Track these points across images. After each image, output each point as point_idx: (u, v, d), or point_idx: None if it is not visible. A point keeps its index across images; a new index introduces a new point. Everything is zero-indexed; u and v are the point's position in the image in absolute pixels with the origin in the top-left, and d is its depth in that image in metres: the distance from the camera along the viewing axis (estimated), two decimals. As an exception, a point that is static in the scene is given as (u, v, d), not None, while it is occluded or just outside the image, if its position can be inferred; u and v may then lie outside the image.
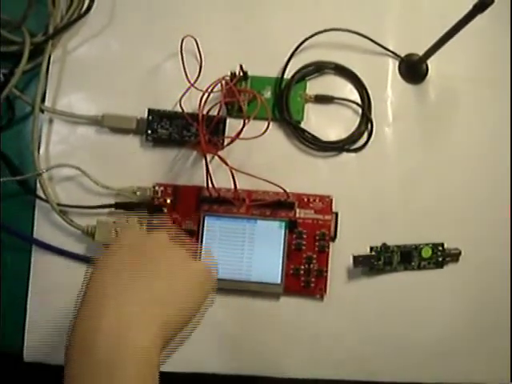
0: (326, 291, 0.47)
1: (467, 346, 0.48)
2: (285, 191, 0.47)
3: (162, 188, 0.48)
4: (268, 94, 0.50)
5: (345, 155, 0.49)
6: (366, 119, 0.49)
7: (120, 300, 0.31)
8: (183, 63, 0.47)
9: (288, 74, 0.49)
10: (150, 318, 0.31)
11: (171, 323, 0.32)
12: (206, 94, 0.45)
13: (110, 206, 0.48)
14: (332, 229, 0.48)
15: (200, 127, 0.44)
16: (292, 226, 0.47)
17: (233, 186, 0.45)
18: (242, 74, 0.48)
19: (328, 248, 0.47)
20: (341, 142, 0.49)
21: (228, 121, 0.48)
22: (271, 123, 0.46)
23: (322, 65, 0.50)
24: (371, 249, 0.47)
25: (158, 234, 0.38)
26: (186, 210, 0.48)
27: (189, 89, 0.47)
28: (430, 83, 0.50)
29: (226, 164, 0.44)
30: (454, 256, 0.48)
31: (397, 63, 0.50)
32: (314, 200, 0.48)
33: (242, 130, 0.45)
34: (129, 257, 0.35)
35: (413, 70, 0.50)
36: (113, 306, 0.31)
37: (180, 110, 0.47)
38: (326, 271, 0.47)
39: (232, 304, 0.47)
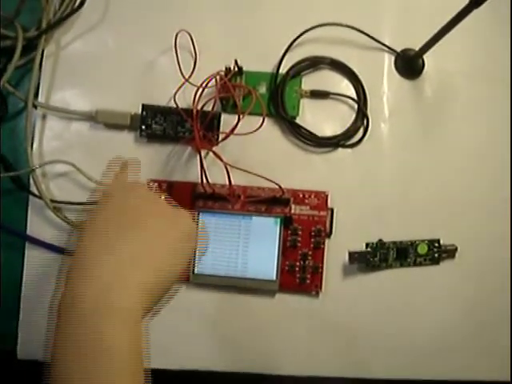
0: (321, 288, 0.47)
1: (464, 342, 0.48)
2: (280, 187, 0.46)
3: (156, 184, 0.48)
4: (263, 89, 0.49)
5: (340, 151, 0.49)
6: (361, 115, 0.49)
7: (102, 264, 0.31)
8: (177, 58, 0.47)
9: (283, 70, 0.49)
10: (130, 281, 0.31)
11: (155, 283, 0.32)
12: (201, 90, 0.44)
13: (103, 202, 0.47)
14: (327, 225, 0.47)
15: (194, 123, 0.43)
16: (287, 223, 0.47)
17: (228, 182, 0.45)
18: (236, 69, 0.48)
19: (323, 244, 0.47)
20: (336, 138, 0.49)
21: (223, 116, 0.48)
22: (266, 119, 0.46)
23: (318, 60, 0.49)
24: (367, 245, 0.47)
25: (139, 189, 0.37)
26: (180, 206, 0.47)
27: (183, 84, 0.46)
28: (426, 78, 0.50)
29: (221, 160, 0.44)
30: (450, 252, 0.48)
31: (393, 58, 0.50)
32: (310, 196, 0.48)
33: (236, 125, 0.44)
34: (112, 217, 0.34)
35: (409, 65, 0.50)
36: (96, 272, 0.30)
37: (174, 105, 0.47)
38: (322, 267, 0.47)
39: (227, 301, 0.47)
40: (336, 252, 0.47)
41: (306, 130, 0.49)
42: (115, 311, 0.29)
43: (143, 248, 0.32)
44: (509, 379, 0.47)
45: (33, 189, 0.48)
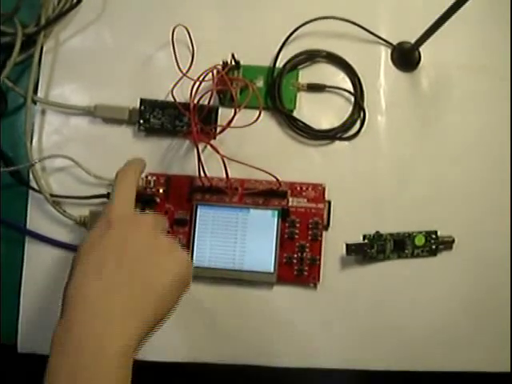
0: (319, 280, 0.47)
1: (464, 333, 0.48)
2: (277, 180, 0.46)
3: (154, 178, 0.48)
4: (260, 83, 0.49)
5: (337, 144, 0.49)
6: (358, 107, 0.49)
7: (98, 305, 0.32)
8: (175, 53, 0.47)
9: (280, 63, 0.49)
10: (126, 323, 0.32)
11: (145, 330, 0.33)
12: (198, 83, 0.45)
13: (102, 196, 0.48)
14: (325, 217, 0.47)
15: (192, 116, 0.44)
16: (285, 215, 0.47)
17: (225, 175, 0.45)
18: (233, 62, 0.48)
19: (321, 236, 0.47)
20: (333, 131, 0.49)
21: (220, 110, 0.48)
22: (263, 112, 0.46)
23: (314, 53, 0.50)
24: (364, 237, 0.47)
25: (142, 221, 0.37)
26: (178, 199, 0.48)
27: (181, 78, 0.47)
28: (422, 71, 0.50)
29: (218, 153, 0.44)
30: (448, 244, 0.48)
31: (389, 51, 0.50)
32: (307, 188, 0.48)
33: (233, 118, 0.45)
34: (110, 253, 0.34)
35: (405, 57, 0.50)
36: (90, 313, 0.32)
37: (172, 99, 0.47)
38: (319, 260, 0.47)
39: (225, 293, 0.47)
40: (333, 244, 0.47)
41: (302, 122, 0.49)
42: (107, 356, 0.31)
43: (136, 300, 0.33)
44: (509, 370, 0.47)
45: (32, 183, 0.48)
